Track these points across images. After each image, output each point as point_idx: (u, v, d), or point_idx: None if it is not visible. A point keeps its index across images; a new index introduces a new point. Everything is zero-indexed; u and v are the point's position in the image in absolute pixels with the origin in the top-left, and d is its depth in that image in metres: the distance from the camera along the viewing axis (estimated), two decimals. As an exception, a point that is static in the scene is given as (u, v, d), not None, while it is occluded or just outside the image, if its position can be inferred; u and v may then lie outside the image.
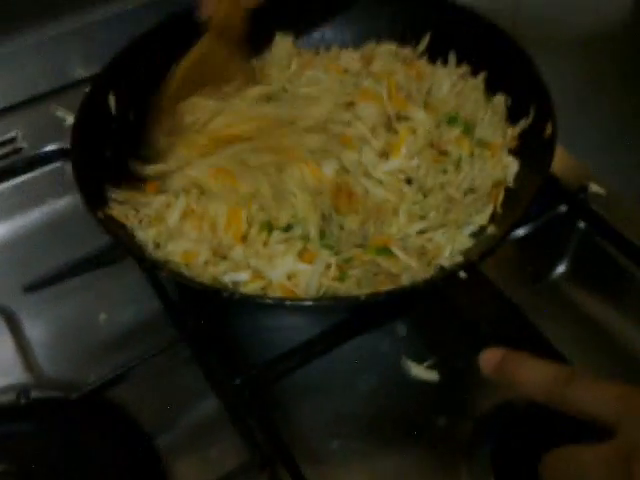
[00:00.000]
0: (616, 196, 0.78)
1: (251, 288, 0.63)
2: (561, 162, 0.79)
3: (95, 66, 0.89)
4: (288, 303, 0.59)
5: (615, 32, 1.47)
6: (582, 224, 0.76)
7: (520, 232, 0.74)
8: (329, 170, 0.68)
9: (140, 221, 0.69)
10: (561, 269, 0.78)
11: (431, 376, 0.68)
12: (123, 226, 0.68)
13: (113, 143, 0.74)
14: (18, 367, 0.69)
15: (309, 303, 0.60)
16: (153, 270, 0.69)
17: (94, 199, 0.67)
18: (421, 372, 0.68)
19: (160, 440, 0.64)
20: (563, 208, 0.76)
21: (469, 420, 0.64)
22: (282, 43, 0.85)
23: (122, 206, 0.69)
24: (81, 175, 0.67)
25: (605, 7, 1.42)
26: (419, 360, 0.69)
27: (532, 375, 0.46)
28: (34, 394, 0.65)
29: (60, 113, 0.88)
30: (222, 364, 0.65)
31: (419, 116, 0.72)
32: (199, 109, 0.73)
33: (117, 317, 0.74)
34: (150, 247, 0.67)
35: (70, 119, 0.87)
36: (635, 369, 0.69)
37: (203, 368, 0.65)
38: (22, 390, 0.64)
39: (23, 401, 0.63)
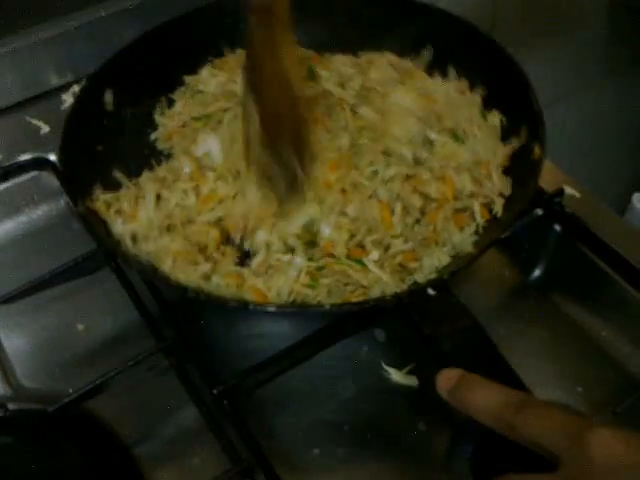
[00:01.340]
0: (591, 199, 0.79)
1: (224, 286, 0.63)
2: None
3: (69, 75, 0.90)
4: (251, 307, 0.60)
5: (594, 31, 1.49)
6: (558, 227, 0.77)
7: (497, 236, 0.74)
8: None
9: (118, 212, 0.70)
10: (538, 272, 0.79)
11: (411, 381, 0.68)
12: (103, 223, 0.69)
13: (106, 138, 0.76)
14: (-5, 379, 0.69)
15: (272, 308, 0.61)
16: (123, 263, 0.69)
17: (77, 191, 0.67)
18: (400, 378, 0.68)
19: (140, 450, 0.64)
20: (539, 212, 0.76)
21: (448, 426, 0.64)
22: None
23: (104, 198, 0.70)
24: (68, 167, 0.68)
25: (583, 5, 1.43)
26: (398, 366, 0.69)
27: (484, 400, 0.46)
28: (12, 406, 0.64)
29: (35, 122, 0.88)
30: (201, 373, 0.64)
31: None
32: None
33: (95, 328, 0.73)
34: (127, 243, 0.68)
35: (45, 128, 0.87)
36: (611, 370, 0.69)
37: (181, 378, 0.64)
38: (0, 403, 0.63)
39: (1, 414, 0.63)
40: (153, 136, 0.81)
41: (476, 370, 0.49)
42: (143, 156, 0.79)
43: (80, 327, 0.73)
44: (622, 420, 0.64)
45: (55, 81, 0.91)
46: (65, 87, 0.89)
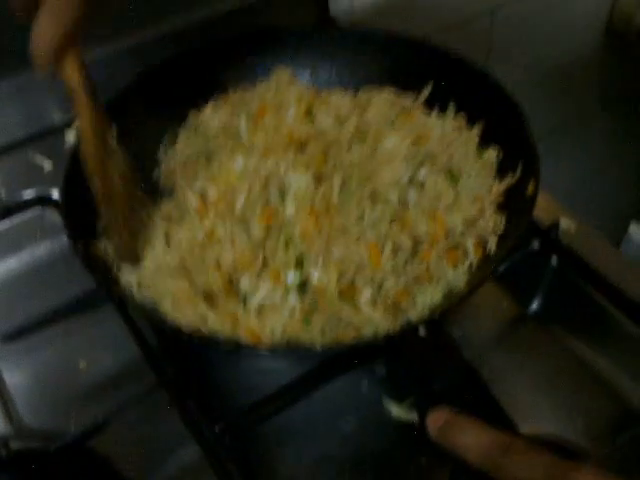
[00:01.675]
0: (587, 231, 0.80)
1: (220, 326, 0.64)
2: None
3: (73, 112, 0.91)
4: (244, 348, 0.61)
5: (588, 63, 1.50)
6: (555, 260, 0.78)
7: (495, 269, 0.75)
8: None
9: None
10: (535, 304, 0.79)
11: (411, 416, 0.68)
12: (106, 266, 0.69)
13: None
14: (-3, 417, 0.69)
15: (264, 350, 0.61)
16: (122, 300, 0.69)
17: (78, 232, 0.67)
18: (401, 412, 0.68)
19: (142, 487, 0.65)
20: (536, 244, 0.77)
21: (449, 460, 0.64)
22: (282, 74, 0.88)
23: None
24: (70, 206, 0.68)
25: (577, 37, 1.45)
26: (399, 400, 0.69)
27: (471, 441, 0.47)
28: (14, 444, 0.64)
29: (38, 159, 0.89)
30: (202, 410, 0.65)
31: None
32: None
33: (96, 364, 0.74)
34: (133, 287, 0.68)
35: (49, 165, 0.88)
36: (610, 402, 0.70)
37: (183, 414, 0.65)
38: (1, 442, 0.64)
39: (3, 453, 0.63)
40: (156, 173, 0.82)
41: (466, 409, 0.50)
42: (145, 192, 0.80)
43: (82, 364, 0.74)
44: (620, 452, 0.64)
45: (59, 118, 0.93)
46: (68, 124, 0.90)
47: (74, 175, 0.71)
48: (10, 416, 0.69)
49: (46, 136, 0.93)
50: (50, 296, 0.71)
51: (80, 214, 0.70)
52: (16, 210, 0.85)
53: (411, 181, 0.73)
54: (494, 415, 0.55)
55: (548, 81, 1.46)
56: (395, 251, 0.68)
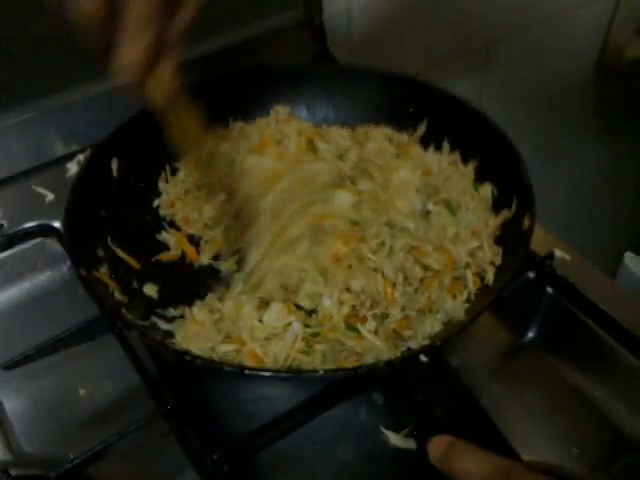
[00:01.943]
0: (582, 262, 0.81)
1: (224, 350, 0.64)
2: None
3: (74, 145, 0.93)
4: (247, 372, 0.60)
5: (581, 90, 1.53)
6: (550, 290, 0.79)
7: (491, 298, 0.76)
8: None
9: None
10: (532, 333, 0.80)
11: (409, 444, 0.69)
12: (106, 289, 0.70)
13: (110, 204, 0.78)
14: (-3, 445, 0.70)
15: (267, 374, 0.62)
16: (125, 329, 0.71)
17: (81, 256, 0.69)
18: (399, 441, 0.69)
19: (140, 516, 0.65)
20: (531, 275, 0.78)
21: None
22: (281, 111, 0.90)
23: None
24: (72, 231, 0.70)
25: (569, 65, 1.48)
26: (397, 429, 0.70)
27: (473, 467, 0.48)
28: (14, 472, 0.64)
29: (40, 190, 0.90)
30: (201, 438, 0.65)
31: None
32: None
33: (96, 392, 0.74)
34: None
35: (50, 196, 0.89)
36: (606, 431, 0.70)
37: (182, 442, 0.65)
38: (1, 469, 0.64)
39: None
40: (156, 202, 0.84)
41: (467, 435, 0.50)
42: (145, 221, 0.82)
43: (81, 392, 0.74)
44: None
45: (60, 150, 0.94)
46: (70, 156, 0.92)
47: (76, 203, 0.73)
48: (10, 443, 0.70)
49: (48, 168, 0.94)
50: (51, 325, 0.72)
51: (82, 241, 0.72)
52: (19, 240, 0.86)
53: (422, 211, 0.75)
54: (494, 442, 0.55)
55: (542, 113, 1.48)
56: (407, 282, 0.69)
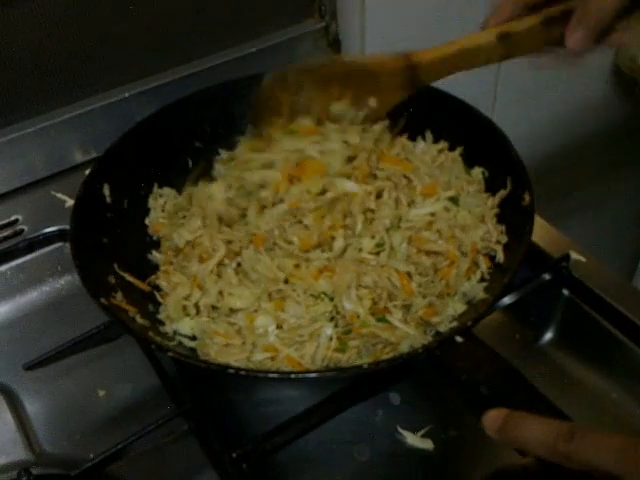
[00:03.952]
0: (597, 263, 0.81)
1: (260, 358, 0.65)
2: (542, 232, 0.82)
3: (93, 151, 0.95)
4: (293, 376, 0.61)
5: (594, 107, 1.52)
6: (566, 291, 0.79)
7: (507, 300, 0.76)
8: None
9: None
10: (549, 335, 0.80)
11: (426, 445, 0.69)
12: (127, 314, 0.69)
13: (109, 230, 0.76)
14: (19, 445, 0.70)
15: (313, 375, 0.62)
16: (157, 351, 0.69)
17: (96, 286, 0.68)
18: (416, 441, 0.69)
19: (160, 515, 0.65)
20: (547, 276, 0.78)
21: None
22: None
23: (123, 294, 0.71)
24: (83, 264, 0.68)
25: (582, 84, 1.47)
26: (413, 429, 0.70)
27: (534, 433, 0.47)
28: (35, 471, 0.65)
29: (60, 196, 0.92)
30: (220, 437, 0.66)
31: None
32: None
33: (116, 393, 0.75)
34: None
35: (70, 202, 0.91)
36: (622, 432, 0.70)
37: (201, 442, 0.66)
38: (23, 468, 0.64)
39: (25, 479, 0.64)
40: (147, 220, 0.82)
41: (517, 408, 0.50)
42: (145, 243, 0.80)
43: (101, 393, 0.75)
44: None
45: (79, 157, 0.96)
46: (89, 163, 0.94)
47: (79, 235, 0.72)
48: (31, 443, 0.71)
49: (67, 174, 0.96)
50: (71, 328, 0.72)
51: (93, 271, 0.70)
52: (39, 245, 0.88)
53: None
54: (546, 410, 0.55)
55: (556, 130, 1.48)
56: (423, 273, 0.70)
